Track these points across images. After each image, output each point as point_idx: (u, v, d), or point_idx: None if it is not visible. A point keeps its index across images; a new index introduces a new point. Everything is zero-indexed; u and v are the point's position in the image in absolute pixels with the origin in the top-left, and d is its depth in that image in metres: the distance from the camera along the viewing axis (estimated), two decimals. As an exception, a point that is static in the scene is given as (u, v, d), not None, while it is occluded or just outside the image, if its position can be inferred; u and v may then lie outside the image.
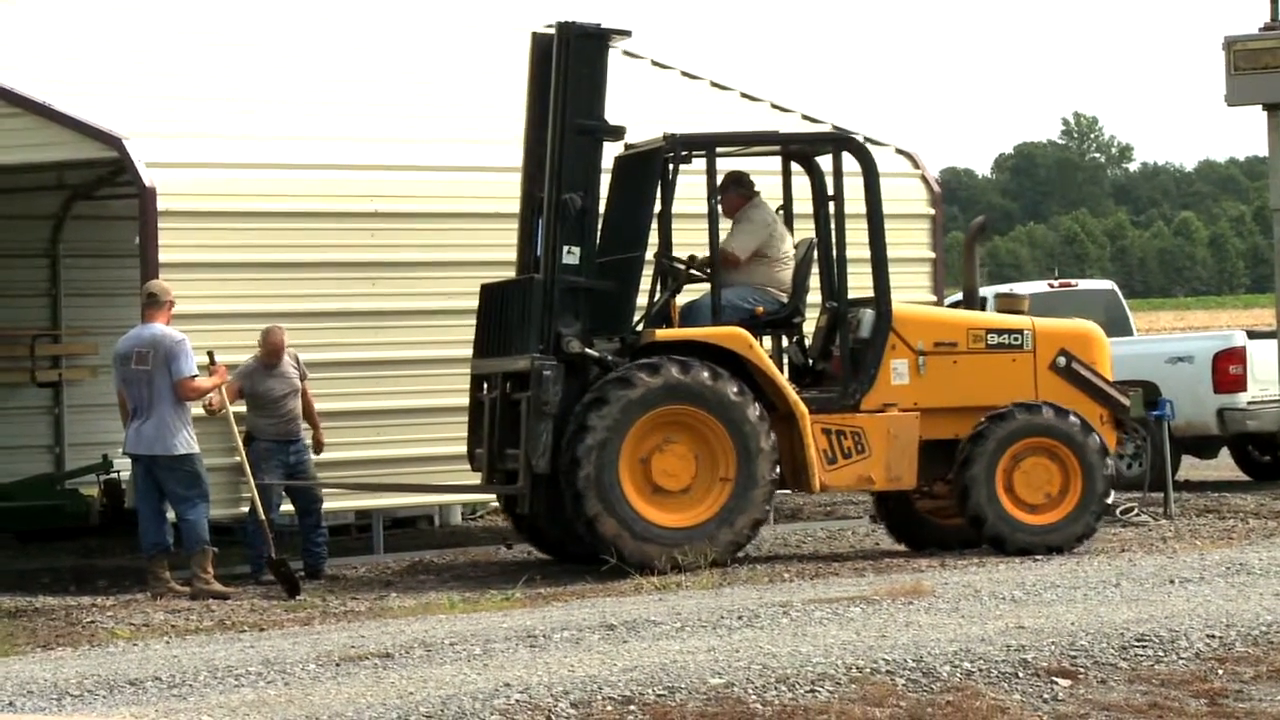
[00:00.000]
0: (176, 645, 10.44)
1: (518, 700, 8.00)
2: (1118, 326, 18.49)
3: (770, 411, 13.04)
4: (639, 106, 14.72)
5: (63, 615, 12.25)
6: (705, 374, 12.83)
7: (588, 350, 12.91)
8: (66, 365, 17.12)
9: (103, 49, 15.44)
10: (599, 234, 13.15)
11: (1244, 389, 17.59)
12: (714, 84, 17.09)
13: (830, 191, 13.57)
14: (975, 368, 13.57)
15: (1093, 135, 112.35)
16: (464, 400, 13.70)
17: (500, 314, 13.38)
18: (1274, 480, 18.06)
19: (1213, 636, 9.13)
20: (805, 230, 13.86)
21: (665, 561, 12.64)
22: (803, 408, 13.15)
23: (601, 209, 13.22)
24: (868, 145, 14.00)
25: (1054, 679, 8.49)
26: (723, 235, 13.44)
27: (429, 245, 14.37)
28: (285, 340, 13.50)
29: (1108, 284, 21.26)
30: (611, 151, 13.45)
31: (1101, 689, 8.41)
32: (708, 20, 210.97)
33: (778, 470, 13.00)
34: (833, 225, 13.52)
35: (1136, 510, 15.47)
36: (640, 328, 13.29)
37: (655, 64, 17.28)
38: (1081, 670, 8.61)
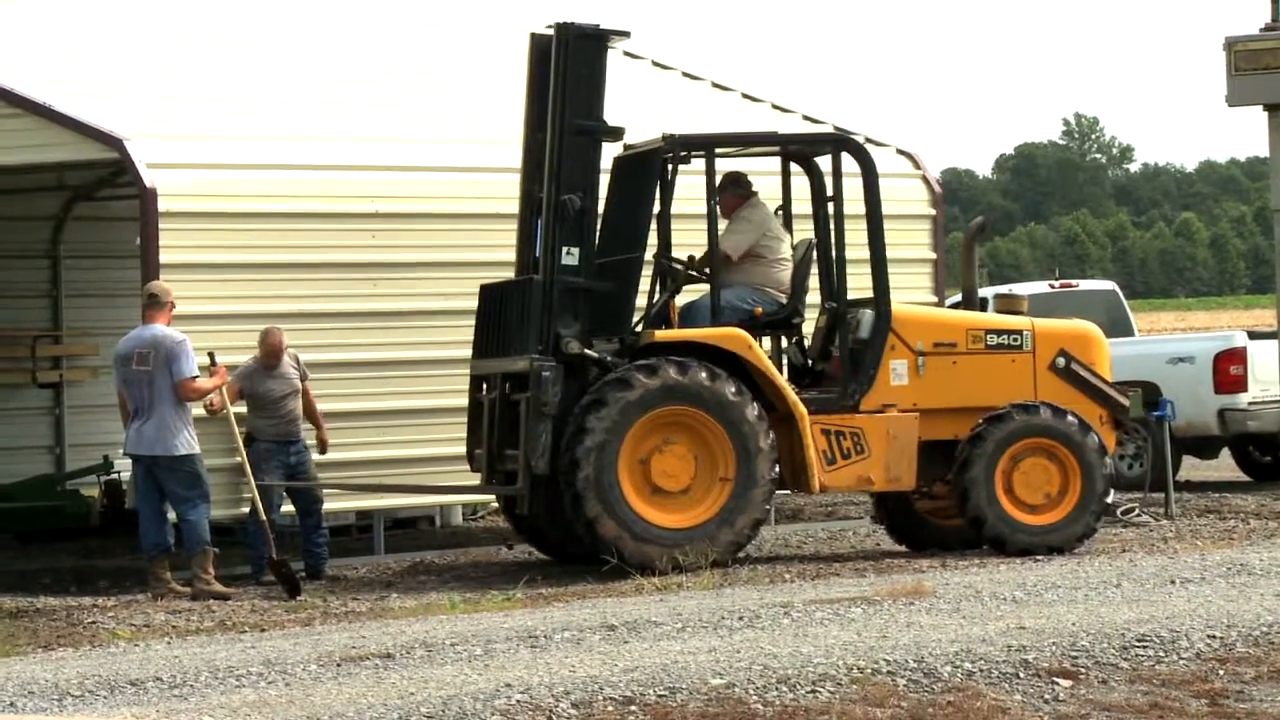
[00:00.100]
0: (177, 646, 10.44)
1: (519, 700, 8.01)
2: (1119, 327, 18.49)
3: (770, 412, 13.04)
4: (640, 107, 14.72)
5: (64, 616, 12.25)
6: (704, 375, 12.83)
7: (587, 351, 12.91)
8: (67, 366, 17.12)
9: (103, 50, 15.45)
10: (598, 235, 13.15)
11: (1245, 389, 17.58)
12: (715, 84, 17.09)
13: (829, 192, 13.58)
14: (974, 368, 13.57)
15: (1093, 136, 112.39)
16: (463, 401, 13.70)
17: (499, 315, 13.38)
18: (1275, 481, 18.06)
19: (1214, 637, 9.13)
20: (805, 231, 13.87)
21: (666, 562, 12.64)
22: (802, 408, 13.15)
23: (601, 210, 13.22)
24: (866, 146, 14.01)
25: (1055, 679, 8.49)
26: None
27: (429, 246, 14.37)
28: (284, 341, 13.50)
29: (1109, 284, 21.26)
30: (611, 152, 13.46)
31: (1102, 689, 8.41)
32: (710, 21, 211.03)
33: (777, 470, 13.00)
34: (832, 226, 13.53)
35: (1137, 511, 15.47)
36: (639, 328, 13.29)
37: (656, 64, 17.28)
38: (1082, 670, 8.61)
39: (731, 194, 13.57)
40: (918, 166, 16.32)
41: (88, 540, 16.05)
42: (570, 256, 12.93)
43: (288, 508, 13.74)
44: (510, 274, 13.50)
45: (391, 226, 14.25)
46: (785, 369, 13.63)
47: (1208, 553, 12.71)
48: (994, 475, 13.27)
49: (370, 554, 14.55)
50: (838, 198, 13.47)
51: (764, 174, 14.07)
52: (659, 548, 12.71)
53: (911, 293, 15.14)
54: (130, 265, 14.34)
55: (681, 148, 13.23)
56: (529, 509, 13.04)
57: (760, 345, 13.30)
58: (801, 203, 13.84)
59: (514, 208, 13.58)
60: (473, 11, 17.87)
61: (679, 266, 13.52)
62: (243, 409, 13.50)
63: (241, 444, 13.25)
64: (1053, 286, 20.09)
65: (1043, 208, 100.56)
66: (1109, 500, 13.90)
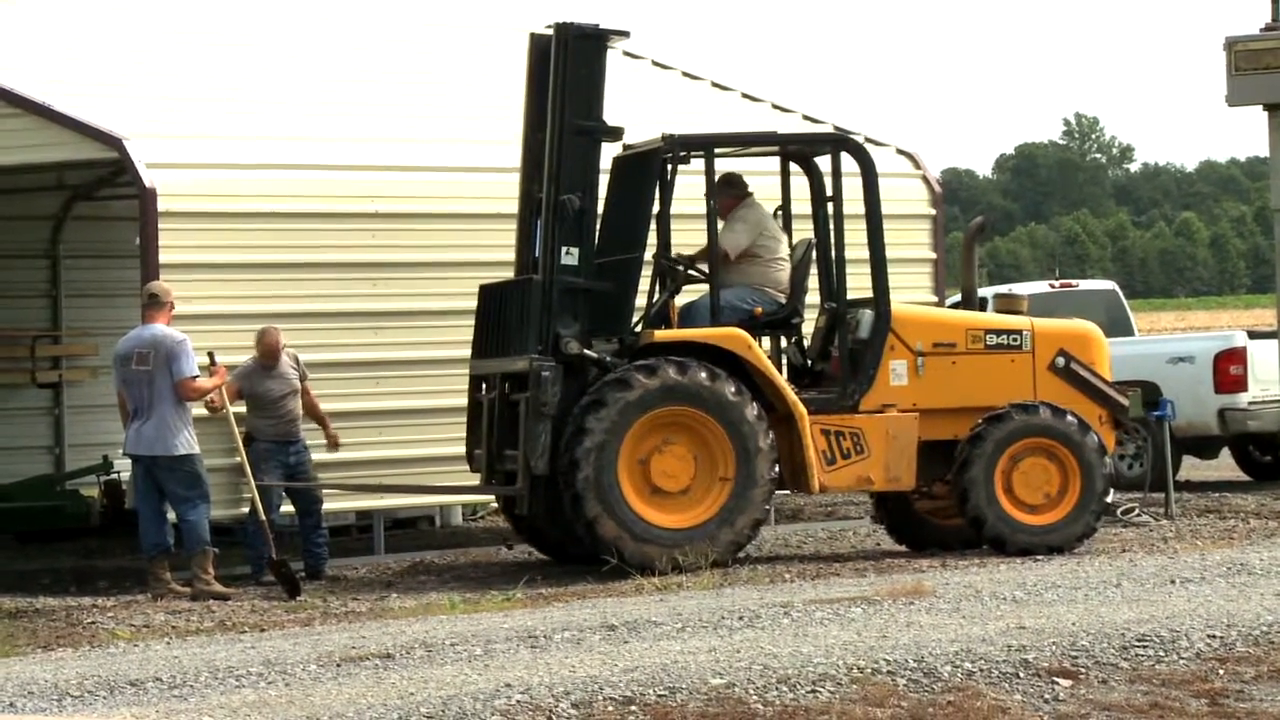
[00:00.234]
0: (177, 646, 10.44)
1: (519, 701, 8.00)
2: (1119, 327, 18.48)
3: (769, 412, 13.04)
4: (639, 107, 14.72)
5: (63, 616, 12.25)
6: (703, 375, 12.83)
7: (586, 351, 12.91)
8: (67, 366, 17.12)
9: (103, 49, 15.44)
10: (597, 235, 13.15)
11: (1245, 389, 17.58)
12: (715, 84, 17.09)
13: (829, 192, 13.57)
14: (974, 368, 13.57)
15: (1094, 136, 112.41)
16: (463, 401, 13.69)
17: (499, 315, 13.38)
18: (1275, 480, 18.06)
19: (1214, 636, 9.13)
20: (804, 231, 13.87)
21: (666, 562, 12.64)
22: (801, 408, 13.15)
23: (600, 210, 13.22)
24: (865, 145, 14.01)
25: (1055, 679, 8.49)
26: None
27: (428, 246, 14.37)
28: (281, 340, 13.49)
29: (1109, 284, 21.26)
30: (610, 152, 13.45)
31: (1102, 689, 8.41)
32: (710, 21, 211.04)
33: (777, 469, 13.00)
34: (831, 226, 13.53)
35: (1137, 510, 15.47)
36: (639, 328, 13.29)
37: (656, 64, 17.27)
38: (1082, 670, 8.61)
39: (727, 195, 13.57)
40: (918, 166, 16.32)
41: (87, 540, 16.05)
42: (570, 256, 12.93)
43: (287, 508, 13.74)
44: (510, 274, 13.49)
45: (391, 226, 14.25)
46: (785, 369, 13.62)
47: (1208, 552, 12.71)
48: (994, 475, 13.27)
49: (370, 554, 14.55)
50: (837, 198, 13.47)
51: (763, 174, 14.06)
52: (659, 548, 12.71)
53: (911, 293, 15.13)
54: (130, 265, 14.34)
55: (681, 148, 13.23)
56: (529, 509, 13.03)
57: (760, 345, 13.30)
58: (801, 202, 13.84)
59: (513, 208, 13.58)
60: (472, 11, 17.87)
61: (678, 267, 13.51)
62: (242, 409, 13.50)
63: (241, 444, 13.25)
64: (1053, 286, 20.09)
65: (1043, 207, 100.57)
66: (1109, 500, 13.90)
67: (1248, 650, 8.95)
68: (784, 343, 13.75)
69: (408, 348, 14.22)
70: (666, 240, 13.41)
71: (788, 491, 13.84)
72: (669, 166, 13.25)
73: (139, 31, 15.98)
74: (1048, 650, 8.83)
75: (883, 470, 13.30)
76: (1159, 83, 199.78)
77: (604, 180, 13.37)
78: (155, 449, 12.81)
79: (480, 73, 16.32)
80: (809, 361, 13.73)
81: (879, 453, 13.26)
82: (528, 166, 13.36)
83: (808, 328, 13.88)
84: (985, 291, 17.52)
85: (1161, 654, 8.86)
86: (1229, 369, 17.59)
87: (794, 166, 13.95)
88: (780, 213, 13.84)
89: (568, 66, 12.92)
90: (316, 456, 13.77)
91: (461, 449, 13.67)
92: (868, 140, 14.85)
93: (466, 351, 13.66)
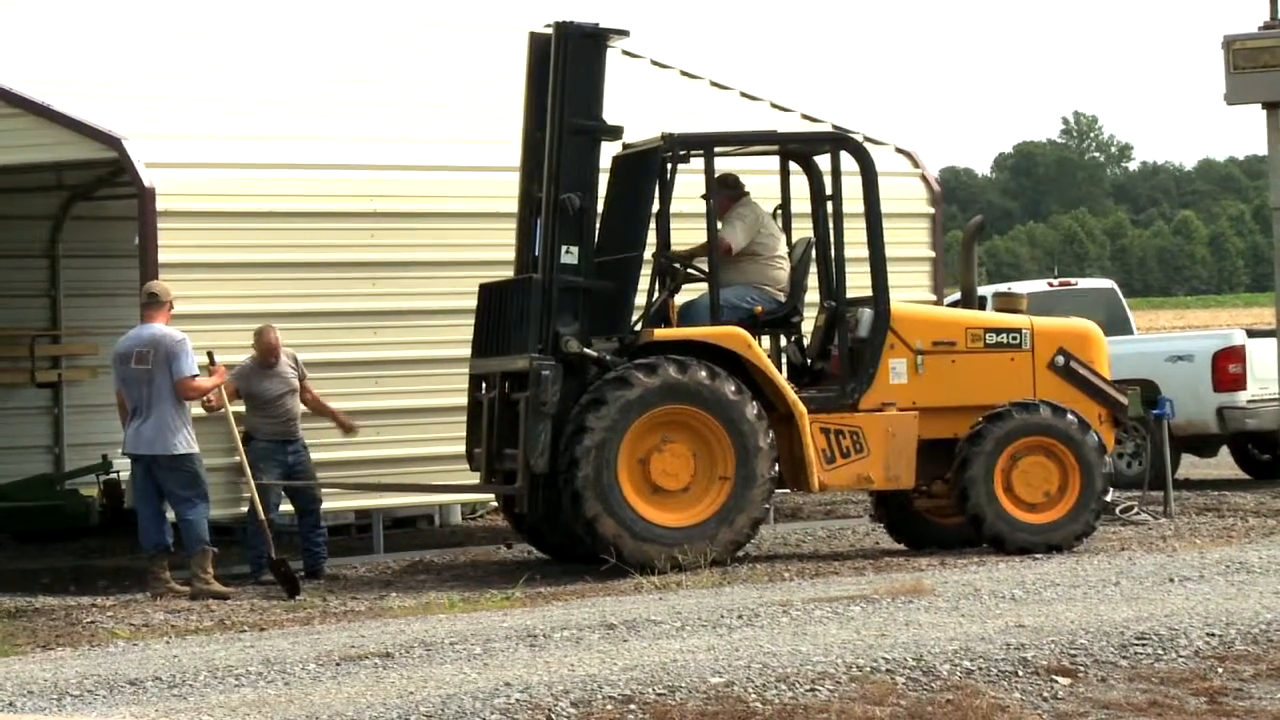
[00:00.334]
0: (176, 645, 10.44)
1: (518, 699, 8.01)
2: (1117, 325, 18.48)
3: (769, 411, 13.04)
4: (638, 106, 14.72)
5: (63, 615, 12.25)
6: (703, 373, 12.83)
7: (586, 350, 12.91)
8: (66, 366, 17.12)
9: (102, 49, 15.44)
10: (597, 234, 13.15)
11: (1244, 388, 17.58)
12: (713, 83, 17.09)
13: (829, 191, 13.58)
14: (974, 367, 13.57)
15: (1092, 134, 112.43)
16: (463, 400, 13.70)
17: (499, 314, 13.38)
18: (1274, 479, 18.06)
19: (1212, 635, 9.13)
20: (804, 230, 13.87)
21: (665, 561, 12.65)
22: (801, 407, 13.15)
23: (600, 209, 13.22)
24: (865, 144, 14.01)
25: (1054, 677, 8.49)
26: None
27: (428, 245, 14.37)
28: (279, 339, 13.49)
29: (1107, 283, 21.25)
30: (610, 151, 13.46)
31: (1101, 687, 8.41)
32: (708, 20, 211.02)
33: (776, 468, 13.00)
34: (831, 225, 13.53)
35: (1136, 509, 15.48)
36: (639, 327, 13.29)
37: (654, 63, 17.27)
38: (1081, 668, 8.61)
39: (722, 195, 13.57)
40: (916, 165, 16.32)
41: (87, 540, 16.05)
42: (569, 255, 12.94)
43: (286, 507, 13.74)
44: (509, 273, 13.50)
45: (390, 226, 14.25)
46: (784, 368, 13.63)
47: (1206, 551, 12.71)
48: (993, 474, 13.27)
49: (369, 553, 14.55)
50: (837, 196, 13.47)
51: (763, 173, 14.07)
52: (658, 547, 12.71)
53: (910, 291, 15.14)
54: (129, 265, 14.33)
55: (680, 147, 13.23)
56: (528, 508, 13.04)
57: (759, 344, 13.30)
58: (800, 201, 13.84)
59: (513, 207, 13.58)
60: (472, 11, 17.87)
61: (677, 266, 13.51)
62: (240, 408, 13.50)
63: (240, 443, 13.25)
64: (1051, 285, 20.09)
65: (1041, 206, 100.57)
66: (1108, 499, 13.90)
67: (1246, 648, 8.95)
68: (784, 341, 13.75)
69: (407, 347, 14.23)
70: (666, 239, 13.42)
71: (787, 490, 13.84)
72: (669, 165, 13.25)
73: (138, 31, 15.98)
74: (1047, 648, 8.84)
75: (882, 469, 13.30)
76: (1158, 81, 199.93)
77: (604, 179, 13.37)
78: (154, 448, 12.81)
79: (480, 72, 16.33)
80: (809, 360, 13.74)
81: (878, 451, 13.27)
82: (527, 165, 13.37)
83: (807, 326, 13.88)
84: (984, 290, 17.52)
85: (1160, 652, 8.86)
86: (1228, 367, 17.59)
87: (793, 165, 13.96)
88: (780, 212, 13.85)
89: (567, 65, 12.92)
90: (316, 456, 13.77)
91: (461, 448, 13.68)
92: (866, 139, 14.85)
93: (466, 351, 13.66)
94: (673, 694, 8.10)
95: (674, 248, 13.51)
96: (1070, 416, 13.41)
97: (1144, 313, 50.22)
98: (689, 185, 13.42)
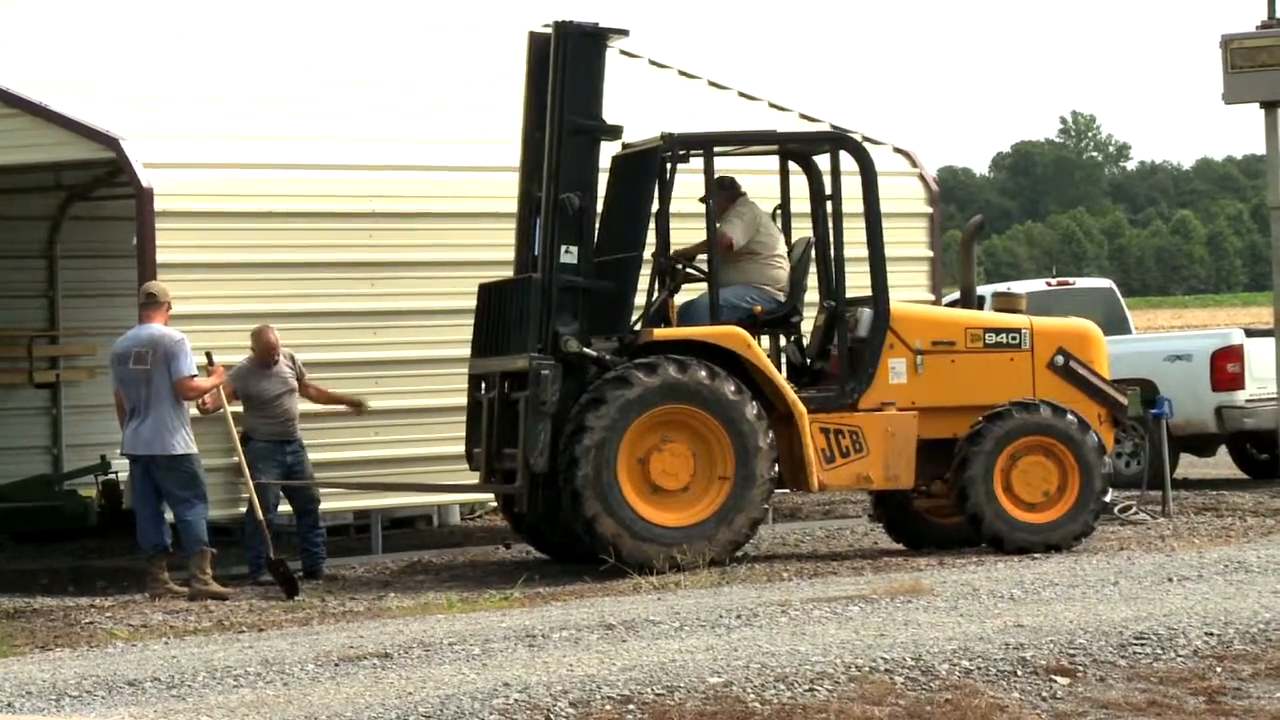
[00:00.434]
0: (175, 646, 10.44)
1: (516, 700, 8.00)
2: (1116, 325, 18.48)
3: (768, 411, 13.04)
4: (636, 106, 14.72)
5: (61, 616, 12.25)
6: (703, 373, 12.83)
7: (586, 350, 12.91)
8: (64, 366, 17.11)
9: (99, 49, 15.43)
10: (597, 233, 13.15)
11: (1242, 387, 17.58)
12: (711, 83, 17.09)
13: (828, 191, 13.58)
14: (973, 367, 13.57)
15: (1090, 133, 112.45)
16: (462, 400, 13.69)
17: (498, 314, 13.38)
18: (1272, 478, 18.05)
19: (1211, 634, 9.13)
20: (803, 229, 13.87)
21: (664, 561, 12.64)
22: (801, 407, 13.15)
23: (599, 208, 13.22)
24: (865, 144, 14.01)
25: (1053, 677, 8.49)
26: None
27: (427, 245, 14.37)
28: (278, 339, 13.49)
29: (1106, 282, 21.25)
30: (609, 151, 13.45)
31: (1100, 687, 8.41)
32: (706, 19, 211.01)
33: (776, 469, 13.00)
34: (830, 224, 13.53)
35: (1135, 508, 15.48)
36: (638, 327, 13.29)
37: (653, 63, 17.27)
38: (1080, 668, 8.61)
39: (720, 196, 13.57)
40: (914, 164, 16.32)
41: (85, 540, 16.04)
42: (569, 255, 12.93)
43: (285, 507, 13.73)
44: (509, 273, 13.49)
45: (389, 226, 14.24)
46: (784, 368, 13.63)
47: (1205, 550, 12.71)
48: (993, 473, 13.27)
49: (368, 553, 14.55)
50: (836, 196, 13.47)
51: (762, 173, 14.07)
52: (657, 546, 12.71)
53: (908, 291, 15.14)
54: (127, 265, 14.33)
55: (680, 146, 13.23)
56: (527, 507, 13.04)
57: (759, 344, 13.30)
58: (800, 201, 13.84)
59: (513, 207, 13.58)
60: (471, 11, 17.86)
61: (676, 266, 13.51)
62: (238, 409, 13.49)
63: (239, 444, 13.24)
64: (1050, 285, 20.09)
65: (1040, 205, 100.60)
66: (1107, 499, 13.90)
67: (1245, 648, 8.95)
68: (783, 341, 13.75)
69: (406, 347, 14.22)
70: (666, 239, 13.42)
71: (786, 490, 13.84)
72: (668, 165, 13.25)
73: (135, 31, 15.97)
74: (1045, 648, 8.83)
75: (882, 469, 13.30)
76: (1156, 80, 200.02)
77: (603, 179, 13.37)
78: (153, 449, 12.81)
79: (479, 72, 16.32)
80: (808, 360, 13.74)
81: (878, 451, 13.27)
82: (527, 165, 13.37)
83: (807, 326, 13.88)
84: (983, 290, 17.51)
85: (1159, 652, 8.86)
86: (1226, 367, 17.59)
87: (793, 165, 13.95)
88: (779, 211, 13.85)
89: (567, 65, 12.92)
90: (314, 456, 13.76)
91: (460, 448, 13.67)
92: (864, 139, 14.85)
93: (465, 351, 13.66)
94: (671, 694, 8.10)
95: (674, 247, 13.51)
96: (1070, 416, 13.41)
97: (1142, 312, 50.23)
98: (688, 185, 13.42)
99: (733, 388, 12.87)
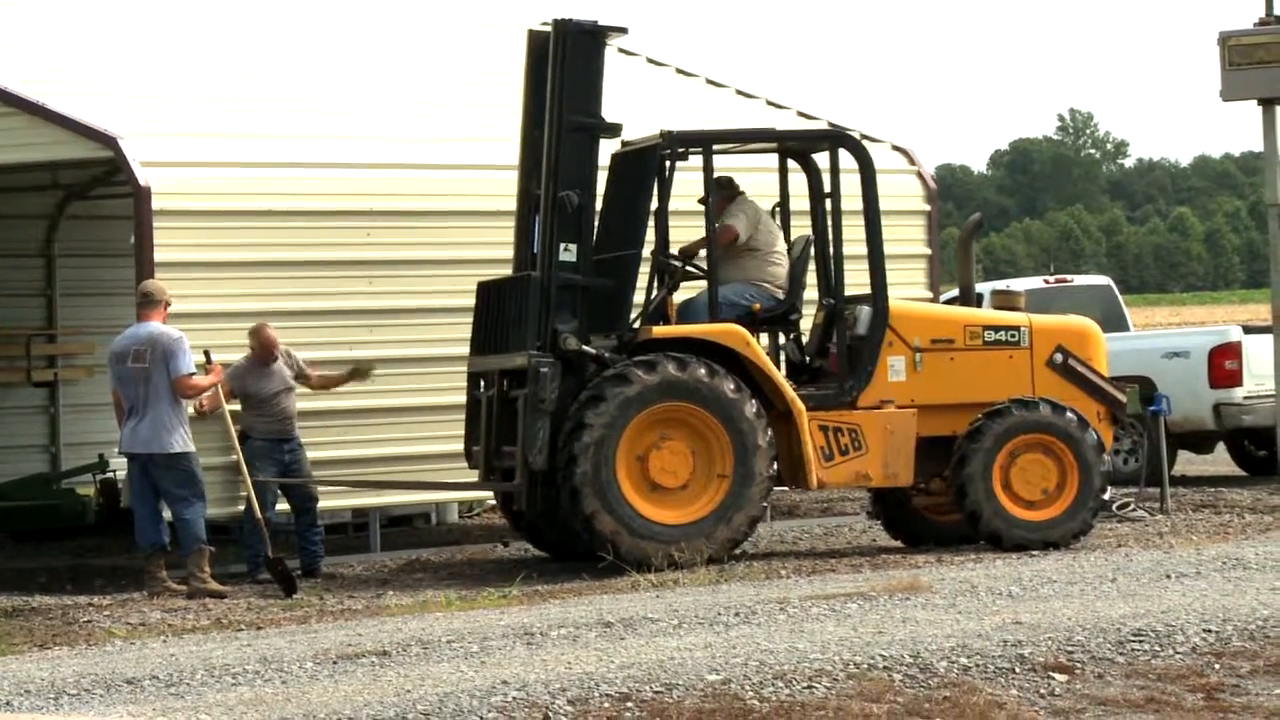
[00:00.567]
0: (173, 644, 10.44)
1: (515, 698, 8.00)
2: (1114, 322, 18.48)
3: (767, 409, 13.04)
4: (635, 104, 14.72)
5: (59, 615, 12.25)
6: (702, 371, 12.83)
7: (585, 347, 12.91)
8: (62, 365, 17.10)
9: (97, 48, 15.43)
10: (596, 231, 13.15)
11: (1240, 384, 17.58)
12: (709, 81, 17.09)
13: (827, 188, 13.58)
14: (972, 364, 13.57)
15: (1088, 131, 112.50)
16: (461, 398, 13.69)
17: (497, 311, 13.38)
18: (1270, 475, 18.05)
19: (1209, 631, 9.14)
20: (802, 227, 13.87)
21: (662, 559, 12.65)
22: (800, 405, 13.15)
23: (598, 206, 13.22)
24: (864, 142, 14.01)
25: (1051, 674, 8.49)
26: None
27: (426, 243, 14.36)
28: (276, 336, 13.48)
29: (1103, 280, 21.26)
30: (608, 149, 13.45)
31: (1098, 684, 8.41)
32: (703, 17, 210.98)
33: (775, 467, 13.00)
34: (829, 222, 13.53)
35: (1133, 505, 15.48)
36: (637, 325, 13.29)
37: (651, 61, 17.27)
38: (1078, 665, 8.61)
39: (718, 196, 13.57)
40: (912, 162, 16.32)
41: (83, 539, 16.04)
42: (568, 253, 12.93)
43: (283, 506, 13.73)
44: (508, 271, 13.49)
45: (388, 224, 14.24)
46: (783, 365, 13.63)
47: (1203, 547, 12.71)
48: (992, 471, 13.27)
49: (366, 552, 14.55)
50: (835, 194, 13.47)
51: (761, 170, 14.06)
52: (656, 544, 12.71)
53: (906, 288, 15.14)
54: (125, 264, 14.32)
55: (679, 144, 13.23)
56: (526, 505, 13.04)
57: (758, 342, 13.30)
58: (799, 199, 13.84)
59: (511, 205, 13.58)
60: (470, 9, 17.86)
61: (676, 263, 13.51)
62: (236, 407, 13.49)
63: (237, 442, 13.24)
64: (1047, 282, 20.09)
65: (1037, 203, 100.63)
66: (1105, 496, 13.90)
67: (1243, 645, 8.95)
68: (782, 339, 13.75)
69: (405, 345, 14.22)
70: (665, 237, 13.42)
71: (785, 488, 13.84)
72: (667, 163, 13.25)
73: (133, 30, 15.97)
74: (1044, 645, 8.84)
75: (881, 466, 13.30)
76: (1153, 78, 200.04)
77: (602, 177, 13.37)
78: (151, 447, 12.80)
79: (478, 70, 16.32)
80: (807, 358, 13.74)
81: (877, 449, 13.27)
82: (526, 163, 13.37)
83: (806, 324, 13.88)
84: (982, 287, 17.51)
85: (1157, 649, 8.86)
86: (1224, 364, 17.59)
87: (791, 163, 13.95)
88: (778, 209, 13.85)
89: (566, 63, 12.92)
90: (312, 454, 13.76)
91: (459, 446, 13.67)
92: (862, 136, 14.85)
93: (464, 349, 13.66)
94: (670, 692, 8.10)
95: (672, 246, 13.50)
96: (1069, 414, 13.41)
97: (1140, 309, 50.24)
98: (687, 184, 13.42)
99: (732, 385, 12.87)
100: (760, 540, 14.32)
